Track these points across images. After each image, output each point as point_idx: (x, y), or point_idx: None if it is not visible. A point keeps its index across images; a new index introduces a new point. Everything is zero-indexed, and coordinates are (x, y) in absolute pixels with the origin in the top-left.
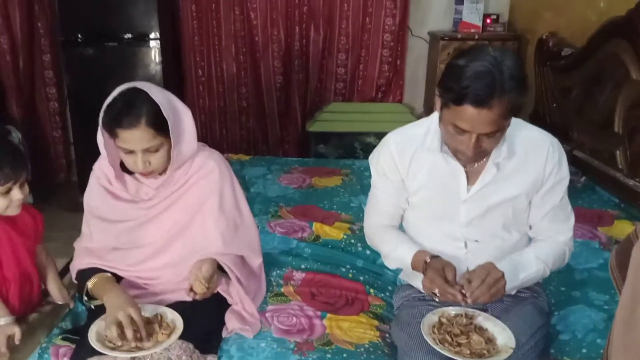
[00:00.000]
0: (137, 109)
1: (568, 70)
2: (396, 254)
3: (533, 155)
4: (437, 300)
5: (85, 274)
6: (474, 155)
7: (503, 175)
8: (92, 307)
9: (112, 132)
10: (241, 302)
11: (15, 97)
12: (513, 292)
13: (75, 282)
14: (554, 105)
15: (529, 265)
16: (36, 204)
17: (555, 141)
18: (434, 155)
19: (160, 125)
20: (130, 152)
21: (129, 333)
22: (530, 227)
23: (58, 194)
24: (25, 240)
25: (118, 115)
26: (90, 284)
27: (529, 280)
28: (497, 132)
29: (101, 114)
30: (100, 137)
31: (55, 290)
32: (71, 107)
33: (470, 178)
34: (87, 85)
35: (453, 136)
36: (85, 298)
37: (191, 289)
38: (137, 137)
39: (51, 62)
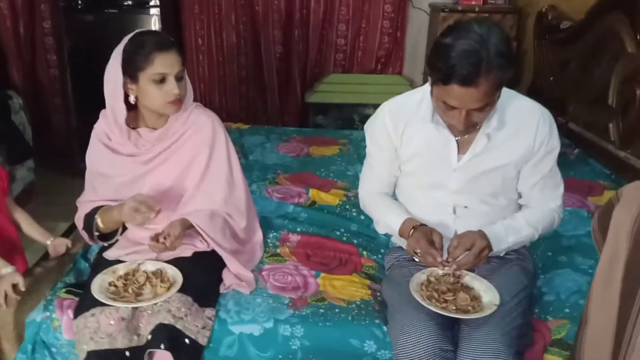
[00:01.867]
0: (166, 35)
1: (566, 44)
2: (385, 221)
3: (524, 126)
4: (416, 260)
5: (91, 214)
6: (465, 129)
7: (493, 145)
8: (106, 244)
9: (146, 61)
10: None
11: (16, 64)
12: (502, 254)
13: (83, 231)
14: (552, 78)
15: (519, 230)
16: (38, 170)
17: (546, 112)
18: (427, 125)
19: (183, 54)
20: (163, 80)
21: (151, 202)
22: (520, 196)
23: (59, 160)
24: None
25: (153, 42)
26: (98, 216)
27: (518, 244)
28: (487, 106)
29: (120, 56)
30: (113, 82)
31: (36, 234)
32: (72, 73)
33: (461, 147)
34: (87, 52)
35: (444, 111)
36: (96, 234)
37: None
38: (174, 59)
39: (51, 28)
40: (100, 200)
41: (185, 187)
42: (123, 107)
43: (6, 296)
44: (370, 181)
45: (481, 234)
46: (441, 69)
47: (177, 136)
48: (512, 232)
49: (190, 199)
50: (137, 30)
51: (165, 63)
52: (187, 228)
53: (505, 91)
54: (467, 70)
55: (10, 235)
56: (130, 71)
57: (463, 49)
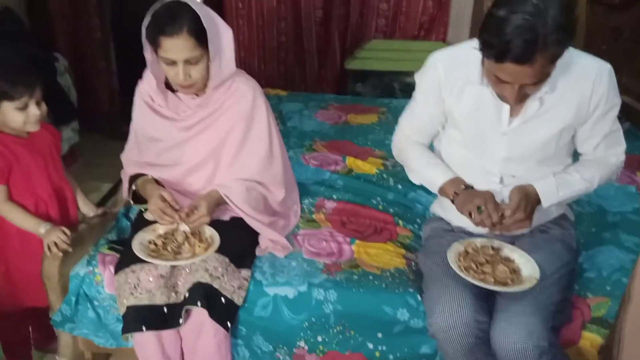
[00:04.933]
0: (179, 18)
1: (621, 10)
2: (426, 174)
3: (578, 87)
4: (472, 218)
5: (134, 179)
6: (516, 102)
7: (546, 109)
8: (142, 210)
9: (155, 42)
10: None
11: (60, 27)
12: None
13: (128, 186)
14: (604, 47)
15: (571, 184)
16: (82, 132)
17: (605, 67)
18: (478, 86)
19: (200, 36)
20: (172, 63)
21: (169, 211)
22: (581, 153)
23: (102, 123)
24: (50, 157)
25: (161, 24)
26: (135, 186)
27: (569, 198)
28: (541, 80)
29: (144, 26)
30: (147, 49)
31: (82, 204)
32: (115, 37)
33: (514, 110)
34: (129, 16)
35: (495, 83)
36: (131, 202)
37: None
38: (179, 45)
39: None
40: (143, 162)
41: (222, 158)
42: (152, 75)
43: (56, 246)
44: (409, 125)
45: (528, 192)
46: (494, 46)
47: (218, 105)
48: (564, 186)
49: (225, 170)
50: (166, 1)
51: (170, 49)
52: (223, 202)
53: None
54: (522, 48)
55: (65, 195)
56: (152, 43)
57: (518, 24)
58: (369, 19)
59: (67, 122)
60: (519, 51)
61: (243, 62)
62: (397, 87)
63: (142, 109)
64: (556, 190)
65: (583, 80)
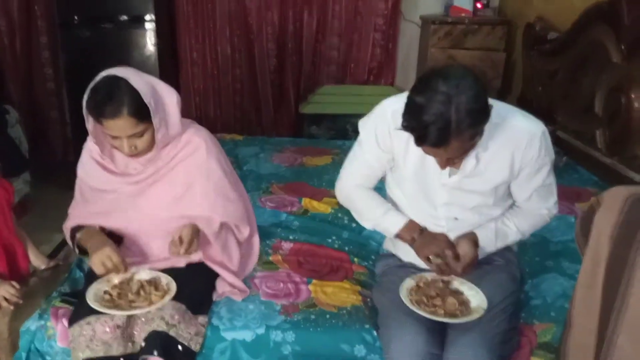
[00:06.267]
0: (118, 99)
1: (553, 55)
2: (380, 220)
3: (510, 146)
4: (430, 260)
5: (76, 230)
6: (446, 167)
7: (483, 166)
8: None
9: (96, 120)
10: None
11: (12, 78)
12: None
13: (70, 240)
14: (540, 88)
15: (508, 235)
16: (34, 182)
17: (538, 131)
18: None
19: (142, 112)
20: (116, 137)
21: (115, 270)
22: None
23: (55, 173)
24: (1, 212)
25: (100, 105)
26: (78, 235)
27: (503, 246)
28: (464, 152)
29: (84, 100)
30: (89, 121)
31: (32, 257)
32: (67, 87)
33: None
34: (83, 66)
35: (426, 152)
36: (77, 251)
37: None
38: (120, 125)
39: (48, 43)
40: (94, 212)
41: (180, 211)
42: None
43: (6, 300)
44: (355, 172)
45: (473, 245)
46: (413, 131)
47: (169, 159)
48: (501, 237)
49: (196, 214)
50: (105, 74)
51: (111, 128)
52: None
53: (501, 107)
54: (436, 136)
55: (15, 250)
56: (94, 119)
57: (432, 112)
58: (321, 66)
59: (18, 173)
60: (433, 138)
61: (199, 109)
62: (350, 129)
63: (91, 166)
64: (494, 241)
65: (515, 141)
